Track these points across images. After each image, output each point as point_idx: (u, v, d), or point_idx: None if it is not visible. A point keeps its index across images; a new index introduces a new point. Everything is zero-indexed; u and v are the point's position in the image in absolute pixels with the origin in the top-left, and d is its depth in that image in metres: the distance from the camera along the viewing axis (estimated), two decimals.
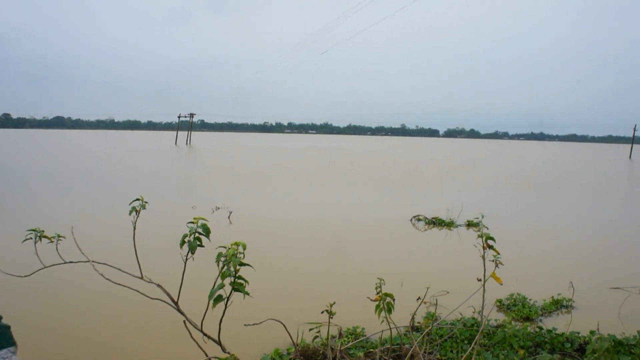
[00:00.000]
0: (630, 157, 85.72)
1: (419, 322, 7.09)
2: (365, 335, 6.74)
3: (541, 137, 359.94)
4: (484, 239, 5.09)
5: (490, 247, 5.17)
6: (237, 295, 3.86)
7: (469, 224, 15.75)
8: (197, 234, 3.74)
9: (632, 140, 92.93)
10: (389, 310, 4.91)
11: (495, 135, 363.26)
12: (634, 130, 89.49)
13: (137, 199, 4.29)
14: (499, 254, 4.97)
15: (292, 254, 12.22)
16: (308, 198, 23.03)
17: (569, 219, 18.55)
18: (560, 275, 10.01)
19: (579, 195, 26.58)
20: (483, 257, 5.15)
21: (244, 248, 3.58)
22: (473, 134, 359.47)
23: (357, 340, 6.51)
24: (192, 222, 3.75)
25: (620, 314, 7.85)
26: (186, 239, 3.76)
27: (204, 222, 3.76)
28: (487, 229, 5.18)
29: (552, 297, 8.43)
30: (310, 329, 5.49)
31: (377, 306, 4.94)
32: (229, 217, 15.78)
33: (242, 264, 3.60)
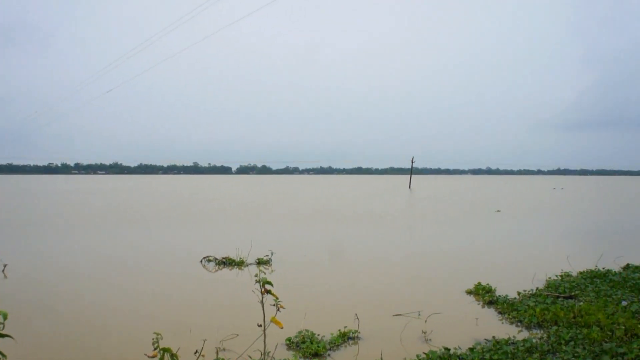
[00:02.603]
0: (409, 187, 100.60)
1: None
2: None
3: (330, 171, 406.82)
4: (261, 284, 5.63)
5: (268, 291, 5.73)
6: None
7: (260, 262, 16.89)
8: None
9: (411, 171, 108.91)
10: None
11: (286, 171, 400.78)
12: (412, 162, 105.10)
13: None
14: (277, 298, 5.55)
15: (72, 306, 11.76)
16: (93, 242, 22.43)
17: (352, 250, 20.45)
18: (346, 308, 11.10)
19: (363, 226, 29.57)
20: (262, 302, 5.68)
21: (5, 317, 3.46)
22: (265, 170, 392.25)
23: None
24: None
25: (402, 340, 9.05)
26: None
27: None
28: (266, 273, 5.78)
29: (340, 330, 9.32)
30: None
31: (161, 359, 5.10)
32: (2, 271, 15.27)
33: (1, 336, 3.46)
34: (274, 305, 5.83)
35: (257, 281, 5.68)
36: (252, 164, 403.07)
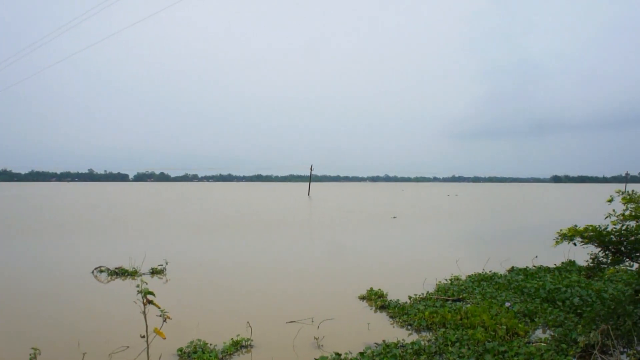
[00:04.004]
0: (308, 195, 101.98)
1: None
2: None
3: (229, 178, 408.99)
4: (143, 294, 5.55)
5: (151, 302, 5.66)
6: None
7: (154, 272, 16.72)
8: None
9: (310, 179, 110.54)
10: None
11: (185, 178, 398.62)
12: (311, 170, 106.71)
13: None
14: (160, 308, 5.50)
15: None
16: None
17: (248, 258, 20.49)
18: (240, 316, 11.14)
19: (259, 234, 29.81)
20: (144, 313, 5.60)
21: None
22: (163, 177, 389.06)
23: None
24: None
25: (294, 347, 9.21)
26: None
27: None
28: (147, 283, 5.68)
29: (232, 338, 9.36)
30: None
31: None
32: None
33: None
34: (160, 315, 5.76)
35: (139, 292, 5.56)
36: (150, 171, 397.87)
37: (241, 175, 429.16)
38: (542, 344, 8.78)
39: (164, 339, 5.67)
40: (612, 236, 8.74)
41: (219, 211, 51.19)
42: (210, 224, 36.05)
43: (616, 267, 9.22)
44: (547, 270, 16.05)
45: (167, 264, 17.11)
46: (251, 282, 15.73)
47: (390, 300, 12.35)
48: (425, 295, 12.86)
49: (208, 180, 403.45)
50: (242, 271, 17.60)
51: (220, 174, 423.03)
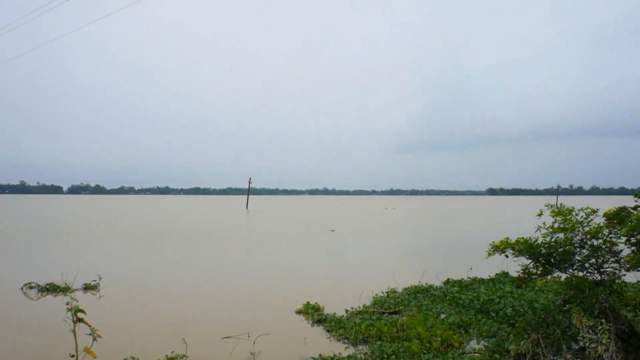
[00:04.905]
0: (247, 208, 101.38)
1: None
2: None
3: (167, 191, 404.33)
4: (73, 312, 5.33)
5: (81, 320, 5.44)
6: None
7: (87, 287, 16.27)
8: None
9: (248, 192, 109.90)
10: None
11: (121, 191, 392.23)
12: (250, 182, 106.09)
13: None
14: (91, 326, 5.28)
15: None
16: None
17: (183, 272, 20.14)
18: (175, 332, 10.93)
19: (196, 248, 29.42)
20: (74, 331, 5.37)
21: None
22: (99, 190, 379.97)
23: None
24: None
25: None
26: None
27: None
28: (78, 301, 5.45)
29: (167, 355, 9.09)
30: None
31: None
32: None
33: None
34: (90, 334, 5.54)
35: (68, 309, 5.32)
36: (85, 183, 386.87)
37: (179, 188, 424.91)
38: (476, 354, 8.95)
39: (95, 357, 5.43)
40: (542, 248, 9.04)
41: (155, 225, 50.13)
42: (146, 238, 35.24)
43: (546, 277, 9.54)
44: (482, 281, 16.45)
45: (100, 279, 16.70)
46: (187, 297, 15.44)
47: (327, 314, 12.35)
48: (362, 308, 12.91)
49: (145, 193, 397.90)
50: (178, 286, 17.23)
51: (157, 187, 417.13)
